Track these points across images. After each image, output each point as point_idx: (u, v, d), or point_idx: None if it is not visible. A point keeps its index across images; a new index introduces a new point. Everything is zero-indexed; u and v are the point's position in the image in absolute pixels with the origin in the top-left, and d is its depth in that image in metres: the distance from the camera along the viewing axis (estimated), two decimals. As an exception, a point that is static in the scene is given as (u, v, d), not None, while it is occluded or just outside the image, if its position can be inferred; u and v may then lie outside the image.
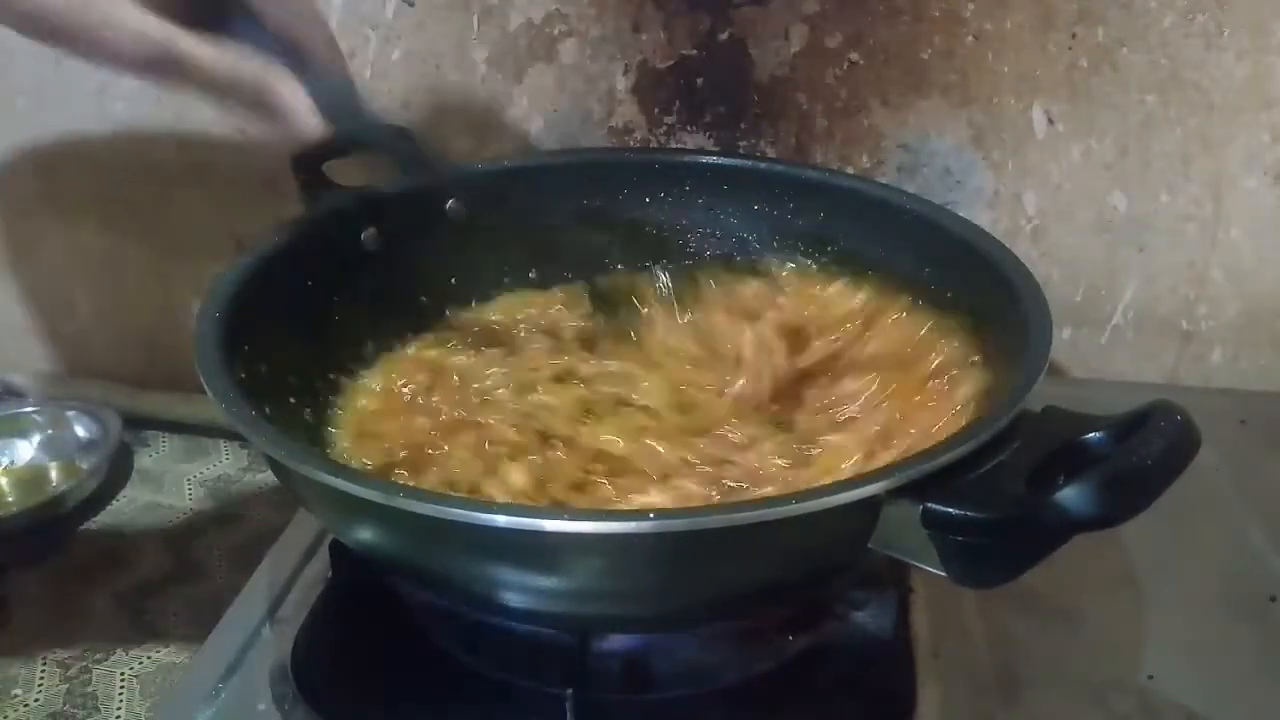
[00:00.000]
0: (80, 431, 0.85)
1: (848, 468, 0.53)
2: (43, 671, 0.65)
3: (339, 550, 0.59)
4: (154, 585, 0.73)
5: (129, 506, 0.81)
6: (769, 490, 0.52)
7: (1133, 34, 0.71)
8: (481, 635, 0.54)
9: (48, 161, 0.87)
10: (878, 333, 0.64)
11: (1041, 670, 0.55)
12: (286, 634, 0.56)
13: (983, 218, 0.76)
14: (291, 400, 0.58)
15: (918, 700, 0.52)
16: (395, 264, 0.67)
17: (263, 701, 0.53)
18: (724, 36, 0.75)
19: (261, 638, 0.57)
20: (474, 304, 0.70)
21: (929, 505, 0.41)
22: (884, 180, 0.77)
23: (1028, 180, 0.77)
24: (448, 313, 0.69)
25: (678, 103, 0.78)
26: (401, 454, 0.56)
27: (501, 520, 0.41)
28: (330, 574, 0.59)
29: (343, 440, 0.58)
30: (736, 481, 0.53)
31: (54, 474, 0.83)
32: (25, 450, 0.85)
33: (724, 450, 0.56)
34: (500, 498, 0.53)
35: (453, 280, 0.70)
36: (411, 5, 0.77)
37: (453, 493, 0.52)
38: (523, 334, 0.67)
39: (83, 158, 0.86)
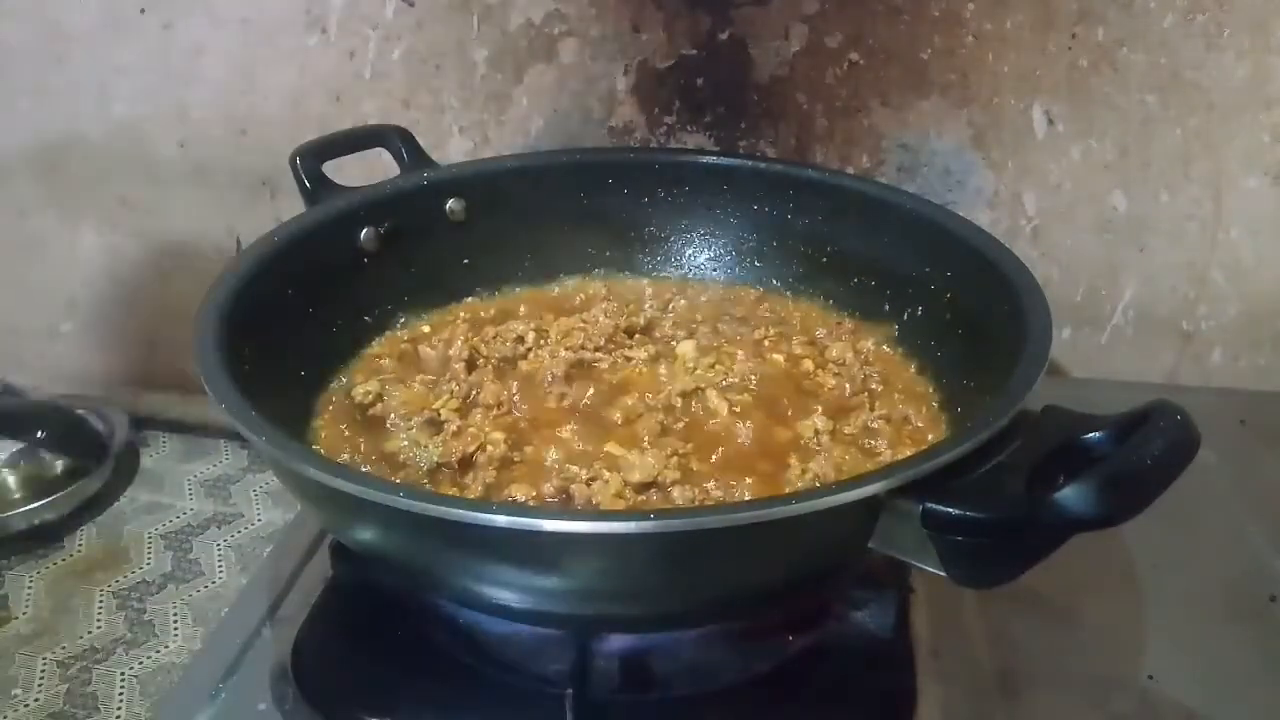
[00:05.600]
0: (83, 431, 0.84)
1: None
2: (43, 671, 0.65)
3: (339, 550, 0.59)
4: (154, 585, 0.73)
5: (129, 506, 0.81)
6: None
7: (1133, 34, 0.71)
8: (481, 635, 0.54)
9: (48, 161, 0.87)
10: None
11: (1041, 670, 0.55)
12: (286, 634, 0.56)
13: (983, 218, 0.76)
14: (291, 399, 0.58)
15: (918, 700, 0.52)
16: (395, 264, 0.67)
17: (263, 701, 0.53)
18: (724, 36, 0.75)
19: (261, 638, 0.57)
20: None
21: (929, 505, 0.41)
22: (884, 180, 0.77)
23: (1028, 180, 0.77)
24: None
25: (678, 103, 0.78)
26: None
27: (501, 520, 0.41)
28: (330, 574, 0.59)
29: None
30: None
31: (55, 474, 0.83)
32: (25, 450, 0.85)
33: None
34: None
35: (452, 281, 0.70)
36: (411, 5, 0.77)
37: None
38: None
39: (83, 158, 0.86)
